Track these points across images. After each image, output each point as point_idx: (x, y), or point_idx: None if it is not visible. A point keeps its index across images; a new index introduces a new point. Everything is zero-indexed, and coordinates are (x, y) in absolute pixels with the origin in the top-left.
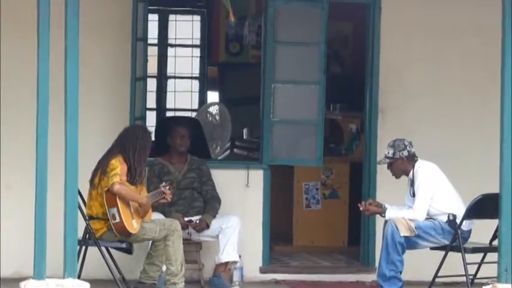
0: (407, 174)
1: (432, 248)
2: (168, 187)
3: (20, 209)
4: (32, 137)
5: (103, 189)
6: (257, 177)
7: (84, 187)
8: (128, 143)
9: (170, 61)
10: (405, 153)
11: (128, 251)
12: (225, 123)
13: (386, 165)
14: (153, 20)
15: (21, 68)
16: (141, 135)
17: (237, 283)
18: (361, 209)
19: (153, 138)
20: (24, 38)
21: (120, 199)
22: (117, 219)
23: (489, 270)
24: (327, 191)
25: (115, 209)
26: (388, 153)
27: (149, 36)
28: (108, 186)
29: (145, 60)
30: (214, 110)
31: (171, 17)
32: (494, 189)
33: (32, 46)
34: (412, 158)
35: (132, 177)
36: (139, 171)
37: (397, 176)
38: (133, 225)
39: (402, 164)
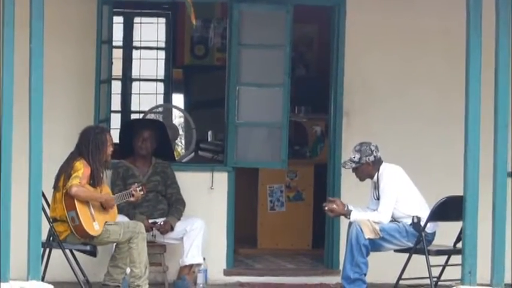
0: (372, 178)
1: (396, 251)
2: (140, 188)
3: None
4: None
5: None
6: (222, 179)
7: (48, 190)
8: (82, 144)
9: (135, 63)
10: (371, 158)
11: (92, 253)
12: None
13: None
14: (118, 22)
15: None
16: (93, 135)
17: (201, 285)
18: (325, 209)
19: (117, 141)
20: None
21: (79, 201)
22: (76, 222)
23: (453, 272)
24: (291, 193)
25: (73, 212)
26: (354, 157)
27: (114, 38)
28: (66, 188)
29: (110, 63)
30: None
31: (136, 19)
32: (459, 191)
33: None
34: (377, 162)
35: (93, 179)
36: (97, 171)
37: (362, 179)
38: (94, 227)
39: (367, 168)
